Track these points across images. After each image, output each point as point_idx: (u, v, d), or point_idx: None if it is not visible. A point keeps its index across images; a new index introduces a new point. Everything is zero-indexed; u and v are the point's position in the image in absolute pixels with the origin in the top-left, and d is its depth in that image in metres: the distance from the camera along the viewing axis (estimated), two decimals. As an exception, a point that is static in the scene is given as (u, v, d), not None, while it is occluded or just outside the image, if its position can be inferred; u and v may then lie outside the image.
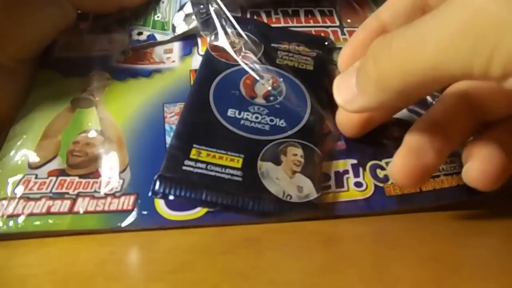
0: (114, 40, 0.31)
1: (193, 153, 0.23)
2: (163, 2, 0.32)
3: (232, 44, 0.30)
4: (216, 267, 0.17)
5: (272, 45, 0.30)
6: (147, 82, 0.29)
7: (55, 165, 0.23)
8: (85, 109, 0.27)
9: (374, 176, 0.24)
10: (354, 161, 0.25)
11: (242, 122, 0.25)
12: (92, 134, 0.25)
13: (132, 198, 0.22)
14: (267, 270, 0.17)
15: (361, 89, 0.19)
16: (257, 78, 0.28)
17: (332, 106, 0.26)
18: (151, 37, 0.31)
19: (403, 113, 0.27)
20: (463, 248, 0.20)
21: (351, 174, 0.24)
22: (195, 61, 0.30)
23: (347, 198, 0.23)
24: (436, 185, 0.24)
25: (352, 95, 0.20)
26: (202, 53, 0.30)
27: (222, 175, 0.22)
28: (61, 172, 0.23)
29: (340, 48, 0.26)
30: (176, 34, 0.30)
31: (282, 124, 0.25)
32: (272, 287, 0.16)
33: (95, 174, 0.23)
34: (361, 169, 0.25)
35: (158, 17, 0.31)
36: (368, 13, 0.34)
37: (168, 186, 0.22)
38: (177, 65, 0.30)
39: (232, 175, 0.22)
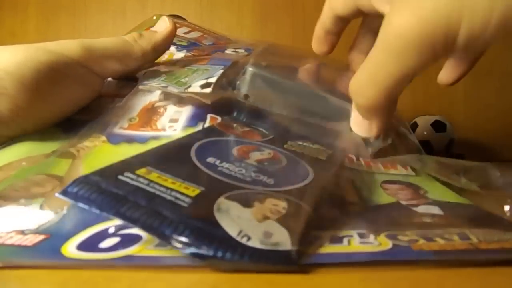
0: (127, 104, 0.29)
1: (141, 171, 0.18)
2: (197, 72, 0.31)
3: (239, 126, 0.26)
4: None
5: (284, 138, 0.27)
6: (139, 148, 0.25)
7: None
8: (61, 159, 0.24)
9: (393, 238, 0.17)
10: (362, 231, 0.17)
11: (219, 168, 0.20)
12: (49, 178, 0.22)
13: (41, 237, 0.17)
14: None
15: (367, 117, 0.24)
16: (256, 149, 0.23)
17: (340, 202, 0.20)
18: (162, 86, 0.29)
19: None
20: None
21: (355, 236, 0.17)
22: (197, 133, 0.26)
23: (345, 251, 0.16)
24: (505, 244, 0.18)
25: (367, 125, 0.24)
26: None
27: (164, 195, 0.16)
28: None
29: (353, 170, 0.26)
30: (186, 91, 0.28)
31: (270, 182, 0.19)
32: (272, 287, 0.15)
33: (17, 209, 0.18)
34: (372, 236, 0.17)
35: (185, 79, 0.30)
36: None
37: (85, 188, 0.16)
38: (176, 134, 0.26)
39: (177, 198, 0.16)
